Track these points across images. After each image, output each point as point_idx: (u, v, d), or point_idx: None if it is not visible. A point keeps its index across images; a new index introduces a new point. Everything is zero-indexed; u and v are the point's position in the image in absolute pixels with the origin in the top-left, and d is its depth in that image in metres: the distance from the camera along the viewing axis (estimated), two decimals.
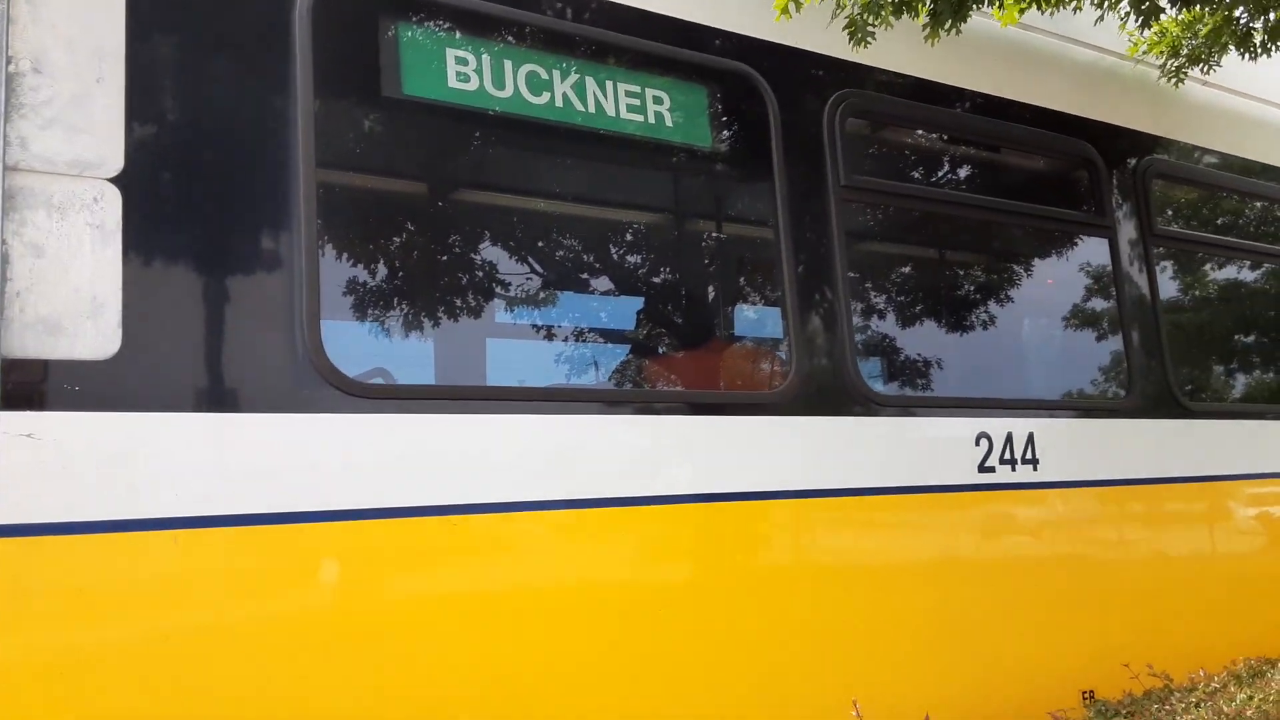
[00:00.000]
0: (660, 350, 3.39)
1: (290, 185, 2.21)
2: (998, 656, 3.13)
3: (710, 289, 3.47)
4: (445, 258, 3.00)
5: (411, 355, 2.88)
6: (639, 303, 3.32)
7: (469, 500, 2.28)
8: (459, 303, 2.93)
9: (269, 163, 2.22)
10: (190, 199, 2.13)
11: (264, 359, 2.14)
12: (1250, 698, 2.68)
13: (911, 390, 3.54)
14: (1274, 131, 4.56)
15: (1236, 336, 4.78)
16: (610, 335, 3.32)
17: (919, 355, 3.54)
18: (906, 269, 3.94)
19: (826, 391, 2.98)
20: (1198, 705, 2.68)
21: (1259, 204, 4.71)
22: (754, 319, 3.45)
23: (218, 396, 2.10)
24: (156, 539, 1.94)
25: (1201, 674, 2.98)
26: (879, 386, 3.33)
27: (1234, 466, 3.88)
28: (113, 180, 2.02)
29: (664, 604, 2.60)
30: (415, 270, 2.92)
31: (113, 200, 2.01)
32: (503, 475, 2.35)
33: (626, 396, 3.06)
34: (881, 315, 3.55)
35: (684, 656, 2.57)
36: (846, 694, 2.22)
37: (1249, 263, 4.63)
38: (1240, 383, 4.74)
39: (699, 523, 2.66)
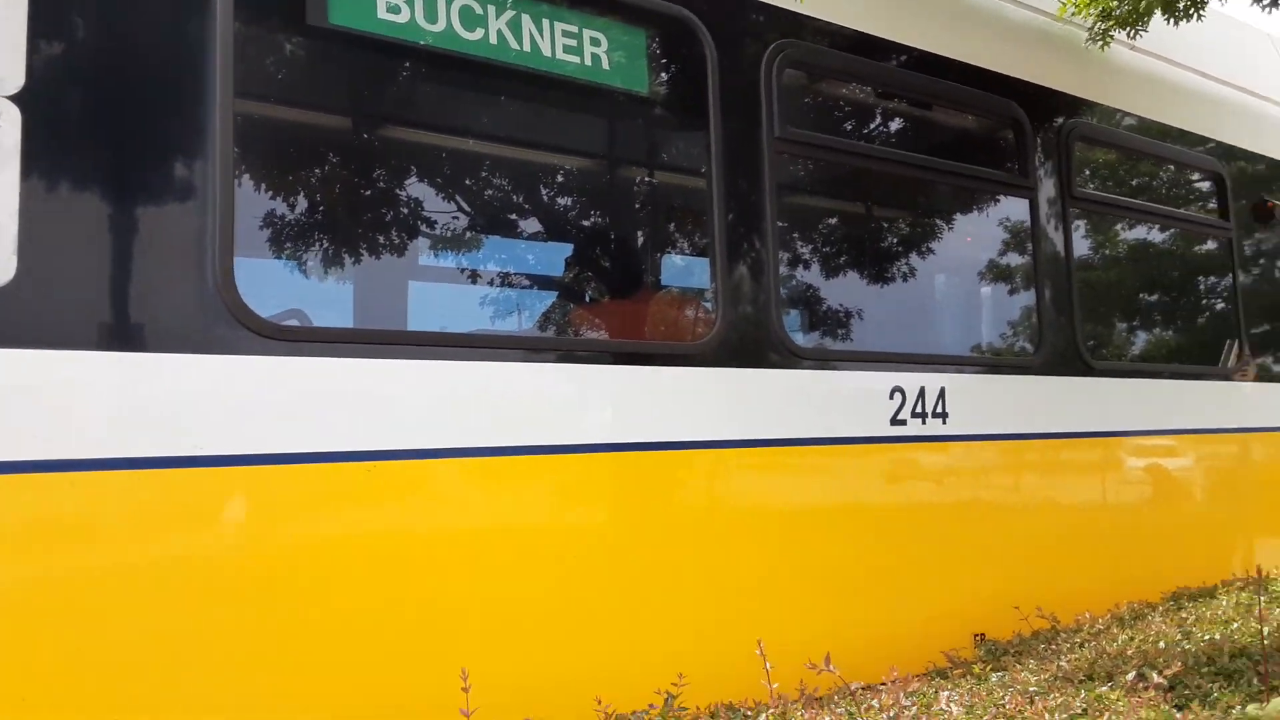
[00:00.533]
0: (586, 297, 3.38)
1: (206, 112, 2.12)
2: (899, 601, 3.27)
3: (639, 237, 3.46)
4: (367, 195, 2.92)
5: (329, 296, 2.82)
6: (566, 249, 3.30)
7: (386, 446, 2.27)
8: (380, 242, 2.86)
9: (184, 87, 2.12)
10: (97, 121, 2.03)
11: (171, 295, 2.07)
12: (1131, 638, 2.86)
13: (832, 343, 3.61)
14: (1189, 96, 4.70)
15: (1141, 297, 4.97)
16: (535, 281, 3.29)
17: (840, 309, 3.60)
18: (833, 222, 3.98)
19: (751, 343, 3.02)
20: (1082, 645, 2.85)
21: (1171, 168, 4.88)
22: (682, 268, 3.46)
23: (120, 332, 2.03)
24: (53, 481, 1.89)
25: (1087, 616, 3.16)
26: (801, 339, 3.39)
27: (1130, 422, 4.08)
28: (12, 98, 1.90)
29: (581, 551, 2.64)
30: (335, 208, 2.84)
31: (12, 118, 1.90)
32: (421, 422, 2.33)
33: (550, 344, 3.05)
34: (806, 268, 3.59)
35: (599, 602, 2.63)
36: (756, 636, 2.30)
37: (1159, 226, 4.79)
38: (1141, 342, 4.95)
39: (620, 471, 2.70)
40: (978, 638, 3.17)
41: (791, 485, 3.10)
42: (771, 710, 2.10)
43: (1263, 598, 3.21)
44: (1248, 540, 4.67)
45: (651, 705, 2.14)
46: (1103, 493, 4.01)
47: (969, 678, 2.60)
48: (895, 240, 3.88)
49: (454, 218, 3.01)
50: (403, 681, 2.27)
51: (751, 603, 2.93)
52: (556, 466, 2.57)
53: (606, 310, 3.30)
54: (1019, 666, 2.67)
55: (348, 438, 2.21)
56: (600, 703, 2.05)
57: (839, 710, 2.11)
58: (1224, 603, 3.31)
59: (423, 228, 2.94)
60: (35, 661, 1.88)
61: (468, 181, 3.10)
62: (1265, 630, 2.65)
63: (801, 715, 2.05)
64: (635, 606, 2.69)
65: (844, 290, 3.59)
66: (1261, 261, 5.05)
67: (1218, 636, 2.73)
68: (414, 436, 2.31)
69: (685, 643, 2.73)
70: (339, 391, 2.23)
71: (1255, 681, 2.37)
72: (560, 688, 2.37)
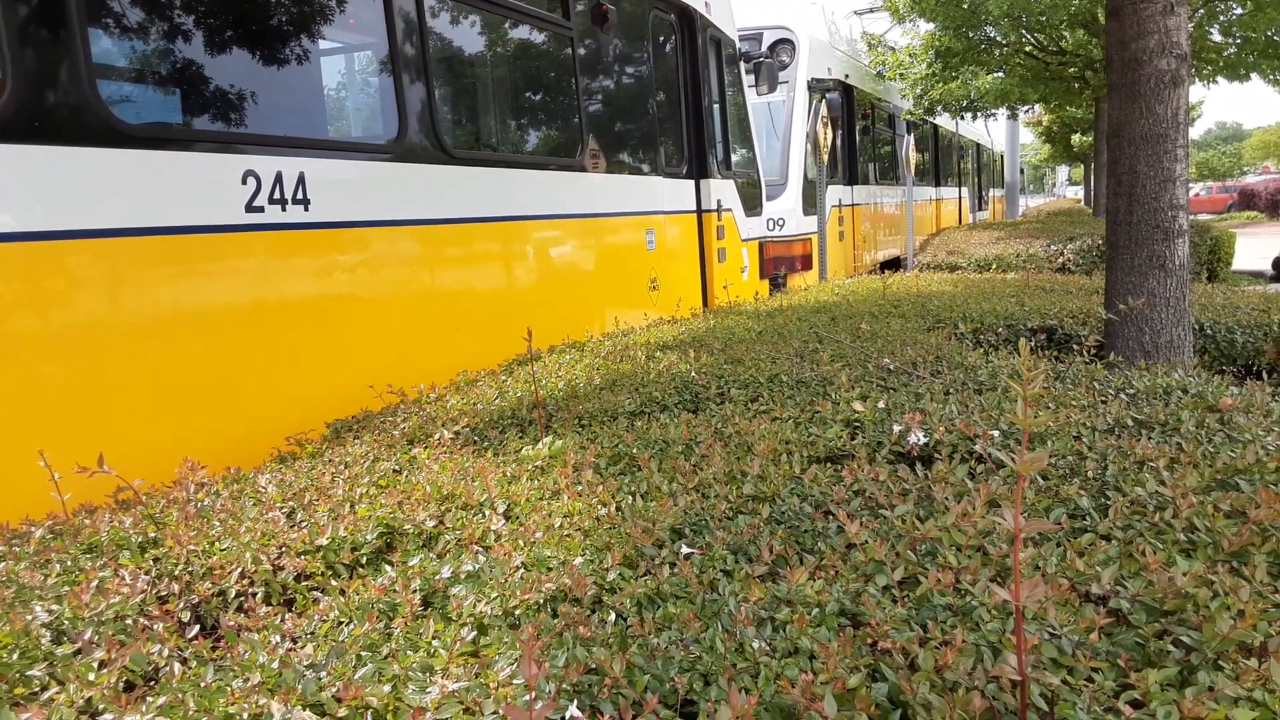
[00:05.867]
0: None
1: None
2: (263, 396, 3.28)
3: None
4: None
5: None
6: None
7: None
8: None
9: None
10: None
11: None
12: (461, 401, 3.27)
13: (170, 121, 3.27)
14: None
15: (503, 91, 5.25)
16: None
17: (181, 83, 3.25)
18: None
19: (59, 113, 2.62)
20: (419, 412, 3.19)
21: None
22: None
23: None
24: None
25: (425, 387, 3.51)
26: (130, 116, 3.01)
27: (491, 209, 4.47)
28: None
29: None
30: None
31: None
32: None
33: None
34: (142, 36, 3.12)
35: None
36: (101, 448, 2.14)
37: (512, 22, 4.94)
38: (502, 133, 5.31)
39: None
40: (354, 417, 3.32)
41: (128, 281, 2.85)
42: (50, 523, 2.01)
43: (568, 357, 3.88)
44: (600, 309, 5.55)
45: None
46: (466, 277, 4.38)
47: (306, 458, 2.75)
48: (255, 19, 3.52)
49: None
50: None
51: (97, 413, 2.72)
52: None
53: None
54: (357, 440, 2.90)
55: None
56: None
57: (139, 512, 2.09)
58: (538, 365, 3.88)
59: None
60: None
61: None
62: (538, 386, 3.22)
63: (87, 522, 2.00)
64: None
65: (189, 64, 3.21)
66: (600, 62, 5.68)
67: (522, 393, 3.25)
68: None
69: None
70: None
71: (538, 429, 2.90)
72: None
